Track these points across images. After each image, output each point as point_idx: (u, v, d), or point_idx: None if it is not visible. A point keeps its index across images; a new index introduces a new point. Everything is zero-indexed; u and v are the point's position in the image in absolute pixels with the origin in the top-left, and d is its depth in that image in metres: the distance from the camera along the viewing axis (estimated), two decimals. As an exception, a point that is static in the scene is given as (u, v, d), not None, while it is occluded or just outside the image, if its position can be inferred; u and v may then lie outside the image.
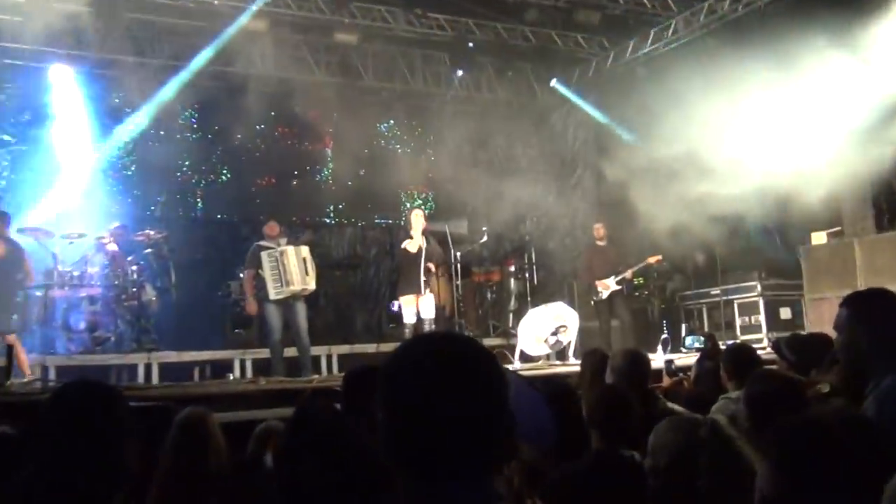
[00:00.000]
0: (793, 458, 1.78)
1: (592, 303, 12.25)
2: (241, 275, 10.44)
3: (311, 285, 10.00)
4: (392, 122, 15.34)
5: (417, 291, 10.04)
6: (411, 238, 10.14)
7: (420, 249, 10.06)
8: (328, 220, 14.78)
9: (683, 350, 11.01)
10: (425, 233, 10.23)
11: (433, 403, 1.59)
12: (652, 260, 12.11)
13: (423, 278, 10.00)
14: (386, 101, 14.62)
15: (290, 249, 9.89)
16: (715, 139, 11.11)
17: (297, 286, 9.81)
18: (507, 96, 15.14)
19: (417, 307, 10.09)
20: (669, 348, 10.78)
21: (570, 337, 10.65)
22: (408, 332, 10.20)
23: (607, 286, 11.99)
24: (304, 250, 10.02)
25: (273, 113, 13.43)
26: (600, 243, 12.39)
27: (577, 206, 15.14)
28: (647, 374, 5.06)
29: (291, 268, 9.82)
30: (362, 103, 13.99)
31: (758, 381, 3.60)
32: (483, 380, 1.65)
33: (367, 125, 14.33)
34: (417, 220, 10.23)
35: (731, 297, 12.78)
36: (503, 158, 15.65)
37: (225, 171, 13.81)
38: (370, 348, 11.89)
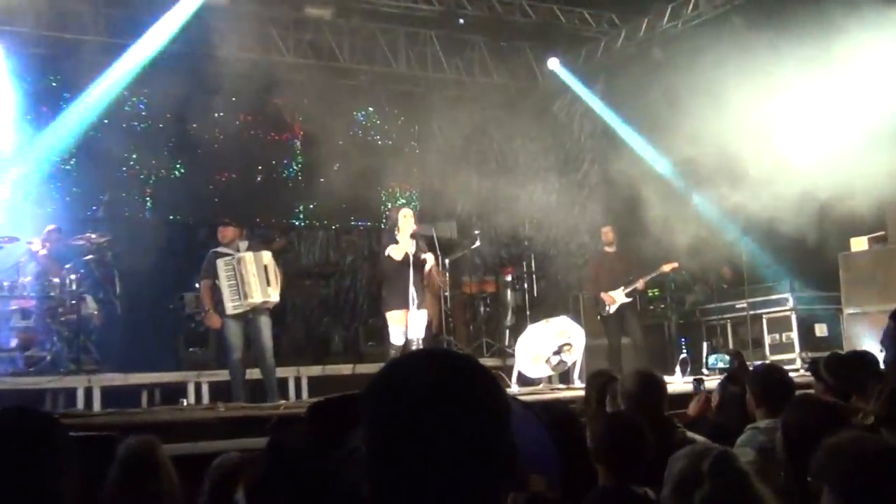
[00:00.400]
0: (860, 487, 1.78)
1: (600, 318, 12.27)
2: (197, 285, 10.43)
3: (274, 297, 9.99)
4: (371, 109, 15.36)
5: (406, 306, 9.71)
6: (397, 243, 9.77)
7: (407, 256, 9.72)
8: (297, 223, 14.77)
9: (706, 372, 11.06)
10: (415, 236, 9.87)
11: (425, 428, 1.58)
12: (667, 268, 12.14)
13: (412, 291, 9.67)
14: (364, 86, 14.63)
15: (249, 256, 9.90)
16: (743, 134, 11.16)
17: (256, 298, 9.80)
18: (503, 81, 15.18)
19: (406, 325, 9.78)
20: (689, 369, 10.81)
21: (575, 357, 10.67)
22: (393, 354, 9.88)
23: (614, 299, 12.02)
24: (266, 256, 10.02)
25: (234, 99, 13.41)
26: (608, 249, 12.42)
27: (583, 207, 15.18)
28: (663, 399, 5.06)
29: (250, 277, 9.83)
30: (337, 88, 14.00)
31: (797, 407, 3.61)
32: (482, 401, 1.64)
33: (343, 113, 14.35)
34: (406, 221, 9.85)
35: (759, 311, 12.82)
36: (499, 152, 15.69)
37: (178, 166, 13.79)
38: (345, 370, 11.88)
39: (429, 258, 9.91)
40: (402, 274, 9.74)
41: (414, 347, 9.75)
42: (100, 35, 12.31)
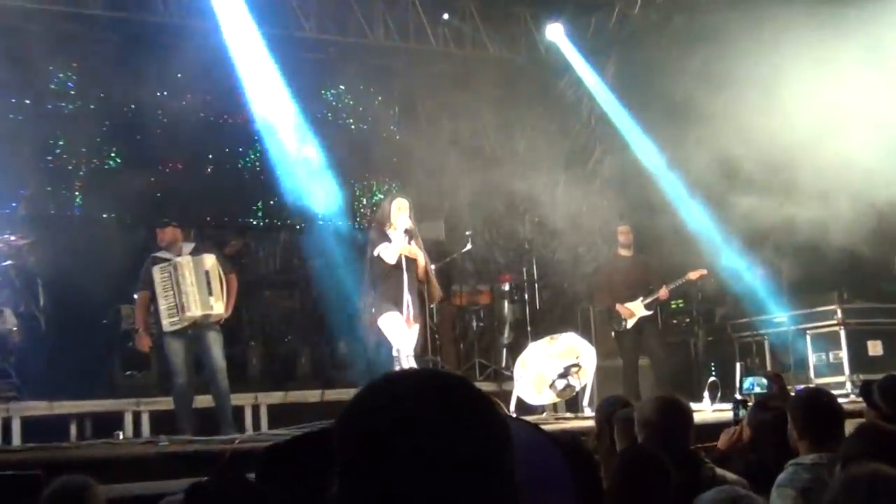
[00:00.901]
0: None
1: (614, 334, 12.30)
2: (136, 297, 10.43)
3: (218, 309, 10.00)
4: (342, 88, 15.35)
5: (401, 312, 9.51)
6: (389, 241, 9.62)
7: (402, 258, 9.55)
8: (255, 221, 14.76)
9: (739, 397, 11.08)
10: (411, 233, 9.67)
11: (410, 463, 1.57)
12: (694, 275, 12.17)
13: (408, 298, 9.48)
14: (334, 60, 14.63)
15: (186, 260, 9.93)
16: (786, 119, 11.22)
17: (195, 311, 9.83)
18: (498, 53, 15.20)
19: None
20: (719, 395, 10.85)
21: (584, 380, 10.70)
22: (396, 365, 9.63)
23: (632, 312, 12.04)
24: (208, 261, 10.05)
25: (180, 75, 13.38)
26: (624, 253, 12.45)
27: (594, 204, 15.21)
28: (689, 429, 5.09)
29: (188, 286, 9.86)
30: (301, 62, 13.98)
31: (861, 438, 3.60)
32: (480, 433, 1.63)
33: (309, 92, 14.31)
34: (400, 214, 9.66)
35: (802, 325, 12.88)
36: (494, 138, 15.69)
37: (114, 155, 13.77)
38: (313, 396, 11.88)
39: (419, 256, 9.73)
40: (396, 280, 9.55)
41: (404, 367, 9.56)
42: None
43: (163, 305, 9.83)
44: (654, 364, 12.20)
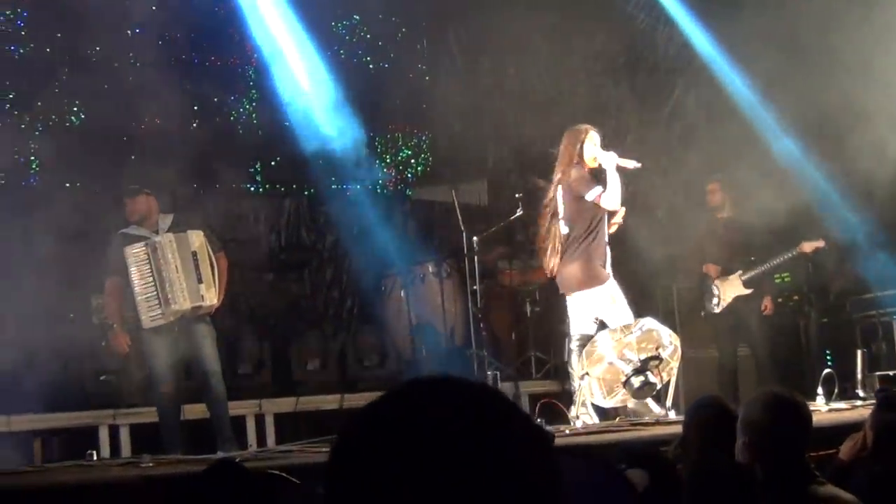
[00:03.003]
0: None
1: (704, 315, 12.31)
2: (105, 284, 10.48)
3: (211, 299, 10.08)
4: (357, 18, 15.35)
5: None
6: (601, 184, 10.18)
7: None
8: (252, 188, 14.79)
9: (861, 394, 11.07)
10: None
11: None
12: (808, 247, 12.14)
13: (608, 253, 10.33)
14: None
15: (168, 240, 9.96)
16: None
17: (182, 304, 9.91)
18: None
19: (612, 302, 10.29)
20: (836, 391, 10.83)
21: (667, 376, 10.69)
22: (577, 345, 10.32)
23: (726, 290, 12.06)
24: (196, 238, 10.10)
25: (155, 7, 13.44)
26: (720, 214, 12.44)
27: (675, 155, 15.16)
28: (806, 434, 5.11)
29: (172, 273, 9.88)
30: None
31: None
32: (517, 472, 1.61)
33: (318, 25, 14.33)
34: (597, 148, 10.35)
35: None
36: (547, 76, 15.66)
37: (76, 110, 13.81)
38: (330, 402, 11.95)
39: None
40: (602, 233, 10.30)
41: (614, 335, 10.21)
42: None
43: (141, 296, 9.84)
44: (755, 355, 12.20)
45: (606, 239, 10.31)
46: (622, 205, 10.28)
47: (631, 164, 10.23)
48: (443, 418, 1.61)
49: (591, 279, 10.25)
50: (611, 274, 10.30)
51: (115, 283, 10.08)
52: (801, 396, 5.58)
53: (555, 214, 10.40)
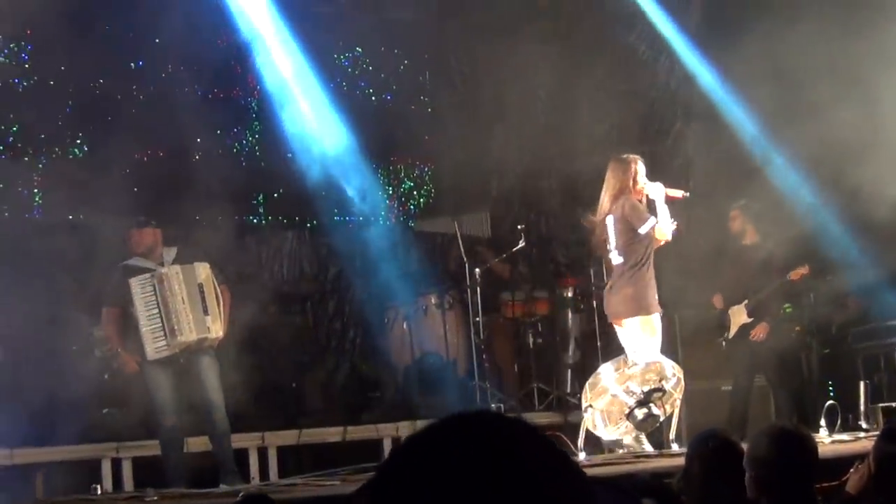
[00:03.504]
0: None
1: (722, 343, 12.37)
2: (103, 313, 10.46)
3: (217, 331, 10.09)
4: (360, 50, 15.39)
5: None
6: (650, 214, 10.26)
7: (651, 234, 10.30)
8: (255, 220, 14.80)
9: (864, 426, 11.07)
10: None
11: None
12: (794, 276, 12.16)
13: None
14: (348, 14, 14.68)
15: (174, 271, 9.96)
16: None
17: (188, 335, 9.90)
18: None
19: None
20: (839, 422, 10.83)
21: (670, 408, 10.69)
22: (641, 367, 10.30)
23: (735, 318, 12.16)
24: (202, 270, 10.10)
25: (158, 41, 13.48)
26: (745, 242, 12.48)
27: (677, 186, 15.18)
28: (811, 469, 5.12)
29: (178, 303, 9.86)
30: (309, 19, 14.03)
31: None
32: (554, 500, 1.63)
33: (321, 56, 14.37)
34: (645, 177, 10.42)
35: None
36: (549, 106, 15.70)
37: (80, 142, 13.83)
38: (333, 434, 11.93)
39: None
40: (652, 260, 10.37)
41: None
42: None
43: (146, 328, 9.82)
44: (770, 384, 12.29)
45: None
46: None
47: (679, 193, 10.30)
48: (486, 457, 1.62)
49: (642, 308, 10.31)
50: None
51: (113, 312, 10.09)
52: (806, 429, 5.60)
53: (604, 244, 10.47)
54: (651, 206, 10.34)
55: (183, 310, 9.86)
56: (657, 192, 10.29)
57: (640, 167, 10.45)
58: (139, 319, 9.86)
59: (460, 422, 1.73)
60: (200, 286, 10.00)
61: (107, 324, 10.24)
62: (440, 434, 1.70)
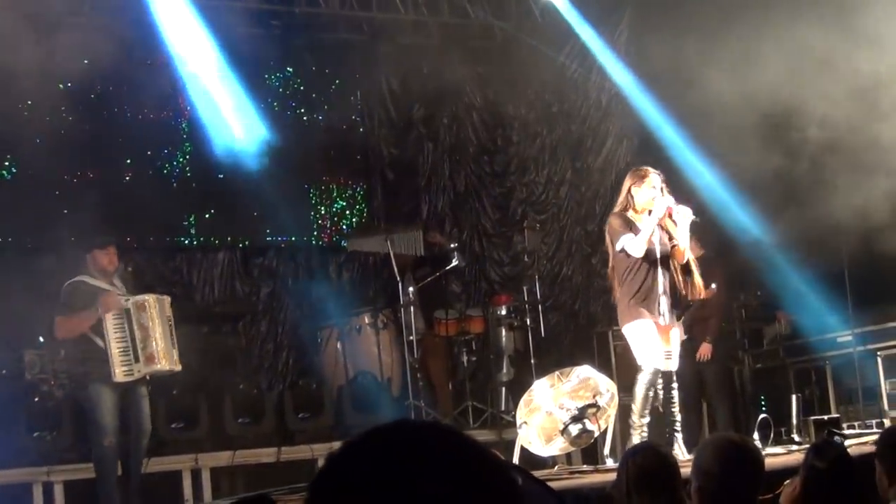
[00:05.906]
0: None
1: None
2: (58, 321, 10.28)
3: (177, 364, 10.23)
4: (290, 70, 15.37)
5: (656, 315, 10.02)
6: (632, 230, 9.89)
7: (653, 249, 9.98)
8: (186, 240, 14.71)
9: (797, 439, 11.16)
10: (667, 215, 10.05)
11: None
12: (704, 295, 12.23)
13: (663, 300, 10.03)
14: (279, 37, 14.68)
15: (151, 301, 10.02)
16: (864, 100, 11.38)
17: (162, 364, 9.99)
18: (482, 20, 15.24)
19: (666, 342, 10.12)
20: (772, 436, 10.92)
21: (604, 424, 10.73)
22: (646, 379, 10.10)
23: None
24: (167, 306, 10.21)
25: (87, 61, 13.39)
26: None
27: (610, 202, 15.26)
28: (758, 483, 5.17)
29: (156, 332, 9.94)
30: (239, 40, 14.01)
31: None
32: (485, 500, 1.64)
33: (251, 76, 14.35)
34: (654, 191, 9.99)
35: (872, 345, 12.93)
36: (480, 126, 15.74)
37: (8, 164, 13.72)
38: (267, 455, 11.88)
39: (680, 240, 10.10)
40: (649, 275, 10.00)
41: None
42: None
43: (115, 348, 9.80)
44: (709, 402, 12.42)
45: (662, 277, 10.11)
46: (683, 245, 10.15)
47: (687, 214, 10.11)
48: (409, 465, 1.65)
49: (626, 315, 10.13)
50: (663, 315, 10.12)
51: (66, 319, 9.98)
52: (752, 442, 5.64)
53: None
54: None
55: (159, 338, 9.96)
56: (660, 207, 10.00)
57: (649, 179, 10.13)
58: (109, 341, 9.82)
59: (377, 433, 1.75)
60: (169, 319, 10.14)
61: (63, 322, 9.99)
62: (359, 447, 1.72)
